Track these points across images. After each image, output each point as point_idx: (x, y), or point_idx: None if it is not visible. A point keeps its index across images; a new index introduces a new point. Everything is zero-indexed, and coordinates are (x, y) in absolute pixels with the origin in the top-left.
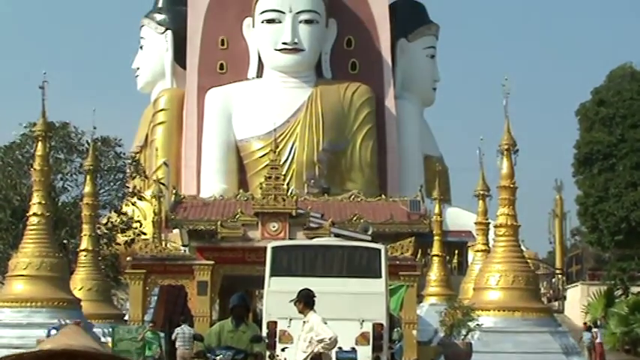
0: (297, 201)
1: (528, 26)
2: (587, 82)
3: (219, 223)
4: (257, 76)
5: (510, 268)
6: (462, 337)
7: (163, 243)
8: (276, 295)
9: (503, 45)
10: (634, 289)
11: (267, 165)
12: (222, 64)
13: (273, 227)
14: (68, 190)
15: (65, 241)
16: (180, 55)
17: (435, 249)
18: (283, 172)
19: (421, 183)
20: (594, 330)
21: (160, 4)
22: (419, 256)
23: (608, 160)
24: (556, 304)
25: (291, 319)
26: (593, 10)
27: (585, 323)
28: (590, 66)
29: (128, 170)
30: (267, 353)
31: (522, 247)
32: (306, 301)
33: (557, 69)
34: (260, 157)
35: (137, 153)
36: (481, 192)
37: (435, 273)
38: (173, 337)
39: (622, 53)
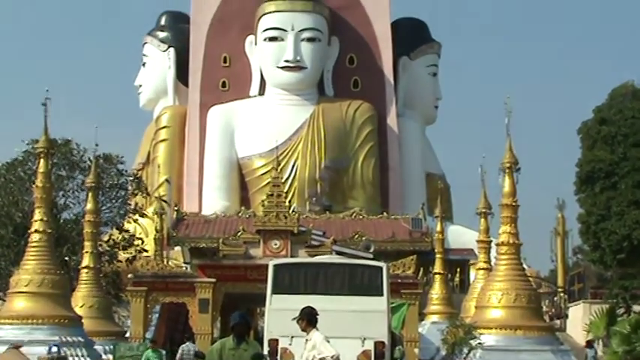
0: (299, 218)
1: (530, 45)
2: (589, 101)
3: (220, 240)
4: (259, 94)
5: (512, 286)
6: (464, 355)
7: (165, 260)
8: (278, 313)
9: (505, 63)
10: (636, 308)
11: (269, 182)
12: (224, 82)
13: (275, 245)
14: (70, 207)
15: (67, 258)
16: (182, 73)
17: (437, 267)
18: (285, 190)
19: (423, 201)
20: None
21: (162, 22)
22: (420, 274)
23: (610, 178)
24: (558, 322)
25: (292, 337)
26: (595, 28)
27: (588, 341)
28: (592, 84)
29: (130, 187)
30: None
31: (524, 266)
32: (309, 319)
33: (559, 87)
34: (262, 175)
35: (139, 170)
36: (483, 210)
37: (436, 291)
38: (179, 354)
39: (623, 71)
